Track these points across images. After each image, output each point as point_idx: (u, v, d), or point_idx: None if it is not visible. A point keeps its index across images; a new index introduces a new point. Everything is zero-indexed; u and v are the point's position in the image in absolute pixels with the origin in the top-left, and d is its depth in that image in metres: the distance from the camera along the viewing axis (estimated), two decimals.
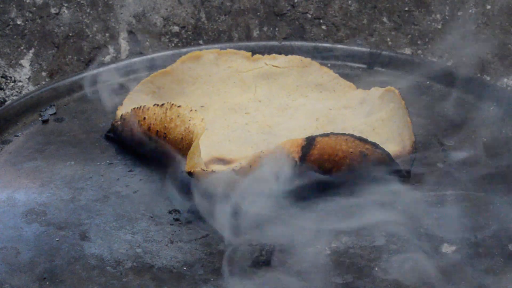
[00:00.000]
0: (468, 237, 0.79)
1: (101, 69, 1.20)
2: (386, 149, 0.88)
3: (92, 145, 1.00)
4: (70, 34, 1.48)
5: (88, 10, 1.48)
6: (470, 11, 1.44)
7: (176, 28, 1.51)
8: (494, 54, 1.46)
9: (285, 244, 0.79)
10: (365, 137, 0.86)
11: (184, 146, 0.88)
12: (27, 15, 1.46)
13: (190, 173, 0.84)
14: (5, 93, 1.48)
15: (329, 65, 1.18)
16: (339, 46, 1.28)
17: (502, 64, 1.46)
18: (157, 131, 0.90)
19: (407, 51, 1.50)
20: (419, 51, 1.50)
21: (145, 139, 0.92)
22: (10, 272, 0.76)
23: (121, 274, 0.76)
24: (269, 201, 0.83)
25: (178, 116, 0.88)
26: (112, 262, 0.78)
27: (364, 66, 1.24)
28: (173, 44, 1.52)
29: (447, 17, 1.42)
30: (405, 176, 0.89)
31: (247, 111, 1.05)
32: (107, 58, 1.51)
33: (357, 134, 0.87)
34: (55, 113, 1.10)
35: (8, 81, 1.48)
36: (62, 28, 1.47)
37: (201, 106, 1.06)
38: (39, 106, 1.11)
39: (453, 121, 1.05)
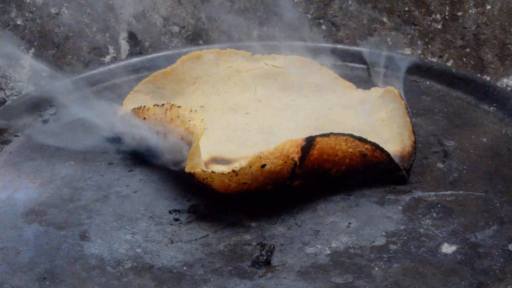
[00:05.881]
0: (468, 237, 0.79)
1: (101, 69, 1.20)
2: (386, 149, 0.88)
3: (92, 145, 1.00)
4: (70, 34, 1.48)
5: (88, 10, 1.48)
6: (470, 11, 1.44)
7: (176, 28, 1.51)
8: (494, 54, 1.46)
9: (285, 244, 0.79)
10: (365, 137, 0.87)
11: None
12: (27, 15, 1.46)
13: (190, 174, 0.84)
14: (5, 93, 1.48)
15: (329, 65, 1.18)
16: (339, 46, 1.28)
17: (502, 64, 1.46)
18: (157, 131, 0.90)
19: (407, 51, 1.50)
20: (419, 51, 1.50)
21: (145, 139, 0.92)
22: (10, 272, 0.76)
23: (121, 274, 0.76)
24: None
25: (178, 116, 0.88)
26: (112, 262, 0.77)
27: (364, 66, 1.24)
28: (173, 44, 1.52)
29: (447, 17, 1.42)
30: (405, 176, 0.89)
31: (247, 111, 1.05)
32: (107, 58, 1.51)
33: (357, 134, 0.87)
34: (55, 113, 1.10)
35: (8, 81, 1.48)
36: (62, 28, 1.47)
37: (201, 106, 1.06)
38: (39, 106, 1.11)
39: (453, 121, 1.05)
